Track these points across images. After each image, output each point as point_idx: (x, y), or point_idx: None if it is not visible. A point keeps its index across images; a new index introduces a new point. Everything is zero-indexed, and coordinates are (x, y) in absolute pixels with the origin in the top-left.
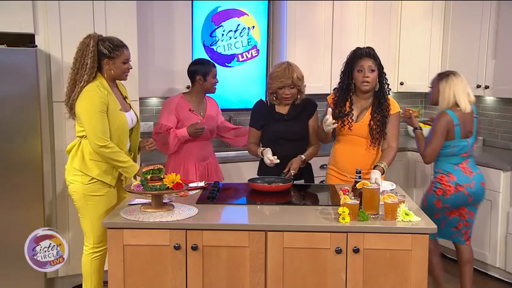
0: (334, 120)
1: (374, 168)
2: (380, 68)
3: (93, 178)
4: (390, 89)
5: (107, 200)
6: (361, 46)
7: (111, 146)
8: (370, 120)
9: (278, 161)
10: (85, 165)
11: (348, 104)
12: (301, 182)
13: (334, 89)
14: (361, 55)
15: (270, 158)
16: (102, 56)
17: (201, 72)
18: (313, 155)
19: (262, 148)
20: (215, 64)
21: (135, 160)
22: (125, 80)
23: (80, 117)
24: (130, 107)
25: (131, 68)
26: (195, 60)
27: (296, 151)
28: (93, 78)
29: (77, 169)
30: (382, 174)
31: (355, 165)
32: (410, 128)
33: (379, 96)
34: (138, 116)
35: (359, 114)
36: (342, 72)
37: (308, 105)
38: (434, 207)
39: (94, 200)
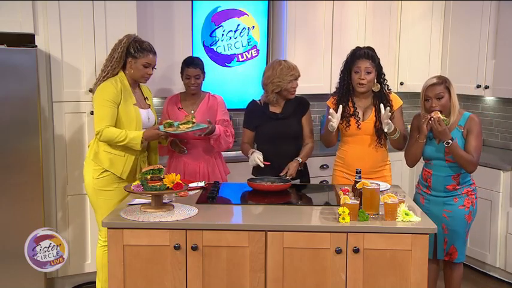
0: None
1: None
2: (379, 68)
3: (103, 172)
4: (391, 89)
5: (117, 194)
6: (361, 46)
7: (103, 129)
8: (375, 122)
9: (263, 165)
10: (97, 156)
11: (350, 104)
12: (297, 181)
13: (333, 93)
14: (359, 56)
15: (260, 159)
16: (128, 54)
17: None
18: (309, 154)
19: (252, 150)
20: (189, 63)
21: (155, 160)
22: (143, 83)
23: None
24: (150, 107)
25: (151, 74)
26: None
27: (292, 150)
28: (116, 74)
29: (91, 160)
30: (392, 130)
31: (366, 164)
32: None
33: (380, 96)
34: (156, 119)
35: (364, 113)
36: (341, 71)
37: (301, 103)
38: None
39: (104, 194)
